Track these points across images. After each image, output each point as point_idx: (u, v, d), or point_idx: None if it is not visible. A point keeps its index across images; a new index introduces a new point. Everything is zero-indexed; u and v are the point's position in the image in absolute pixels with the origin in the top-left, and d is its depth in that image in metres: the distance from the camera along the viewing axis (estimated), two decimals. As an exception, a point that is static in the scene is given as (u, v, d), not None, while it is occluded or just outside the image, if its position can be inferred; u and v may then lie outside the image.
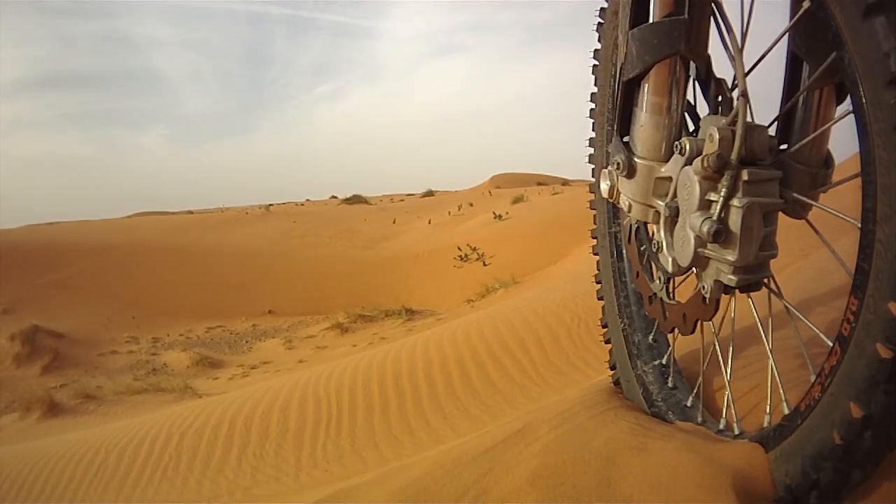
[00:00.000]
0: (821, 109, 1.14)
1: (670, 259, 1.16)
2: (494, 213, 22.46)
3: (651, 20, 1.12)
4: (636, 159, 1.19)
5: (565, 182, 36.93)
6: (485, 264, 18.12)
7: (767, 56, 1.08)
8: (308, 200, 41.08)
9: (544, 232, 17.92)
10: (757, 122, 1.07)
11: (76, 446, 5.86)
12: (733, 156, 1.01)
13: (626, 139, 1.22)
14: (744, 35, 1.08)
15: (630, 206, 1.22)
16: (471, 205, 27.98)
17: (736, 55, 1.05)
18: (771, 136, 1.06)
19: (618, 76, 1.20)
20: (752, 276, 1.06)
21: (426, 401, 5.13)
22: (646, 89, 1.16)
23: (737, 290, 1.11)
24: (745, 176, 1.00)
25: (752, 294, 1.14)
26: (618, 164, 1.21)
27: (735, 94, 1.04)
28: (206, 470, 4.93)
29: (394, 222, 26.48)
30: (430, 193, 39.62)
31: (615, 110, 1.23)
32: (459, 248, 19.25)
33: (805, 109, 1.15)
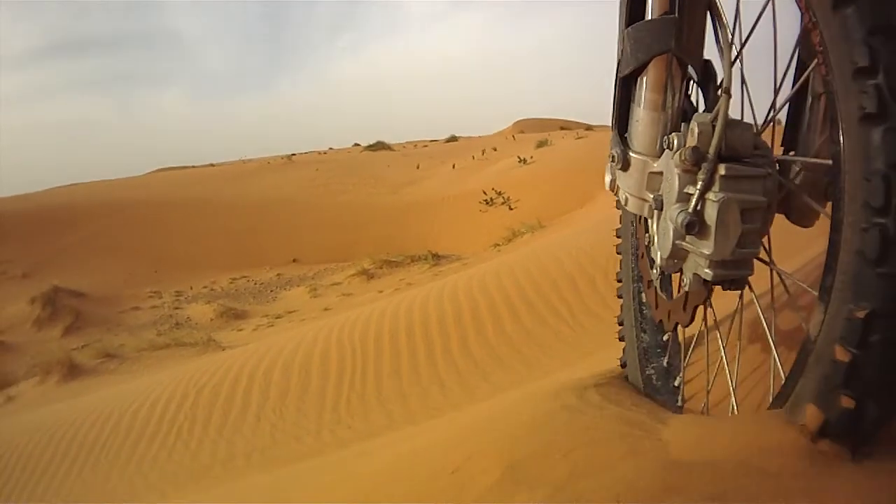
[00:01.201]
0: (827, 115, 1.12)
1: (658, 252, 1.19)
2: (519, 158, 21.97)
3: (647, 18, 1.15)
4: (631, 153, 1.22)
5: (588, 127, 36.11)
6: (510, 208, 17.80)
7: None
8: (331, 149, 40.61)
9: (569, 176, 17.44)
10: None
11: (87, 411, 5.63)
12: (711, 150, 1.02)
13: (624, 134, 1.24)
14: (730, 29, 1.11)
15: (627, 199, 1.25)
16: (494, 149, 27.47)
17: (725, 50, 1.07)
18: (755, 135, 1.06)
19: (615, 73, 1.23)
20: (731, 271, 1.05)
21: (456, 349, 4.83)
22: (642, 85, 1.17)
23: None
24: (722, 171, 1.01)
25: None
26: (613, 156, 1.24)
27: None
28: (222, 429, 4.65)
29: (417, 168, 26.03)
30: (453, 139, 38.99)
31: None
32: (484, 193, 18.91)
33: (811, 115, 1.20)
